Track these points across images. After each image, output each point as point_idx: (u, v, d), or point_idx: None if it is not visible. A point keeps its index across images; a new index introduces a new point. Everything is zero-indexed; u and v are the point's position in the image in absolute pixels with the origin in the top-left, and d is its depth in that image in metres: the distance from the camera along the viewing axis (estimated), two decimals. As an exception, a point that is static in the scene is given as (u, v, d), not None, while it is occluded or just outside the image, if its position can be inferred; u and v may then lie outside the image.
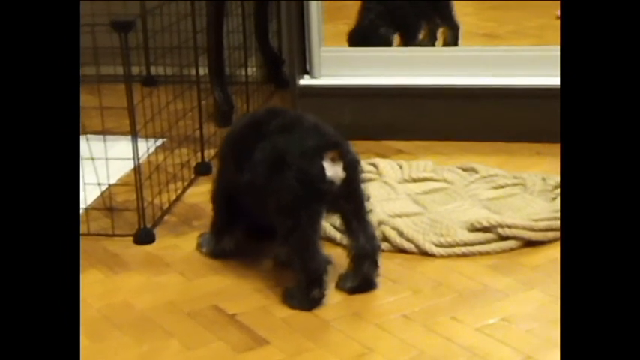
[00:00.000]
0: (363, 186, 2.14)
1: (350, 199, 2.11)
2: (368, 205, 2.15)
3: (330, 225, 2.37)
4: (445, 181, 2.71)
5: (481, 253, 2.33)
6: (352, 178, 2.09)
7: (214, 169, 2.42)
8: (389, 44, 3.47)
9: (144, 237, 2.46)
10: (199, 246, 2.39)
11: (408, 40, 3.55)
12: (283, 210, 2.07)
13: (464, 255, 2.33)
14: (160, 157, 2.84)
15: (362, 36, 3.44)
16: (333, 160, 2.05)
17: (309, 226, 2.05)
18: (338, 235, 2.35)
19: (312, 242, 2.06)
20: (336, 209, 2.13)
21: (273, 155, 2.09)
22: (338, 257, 2.19)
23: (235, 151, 2.23)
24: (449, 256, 2.33)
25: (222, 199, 2.31)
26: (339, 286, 2.16)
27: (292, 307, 2.10)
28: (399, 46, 3.53)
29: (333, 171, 2.05)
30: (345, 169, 2.07)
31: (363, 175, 2.16)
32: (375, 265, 2.15)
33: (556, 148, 2.92)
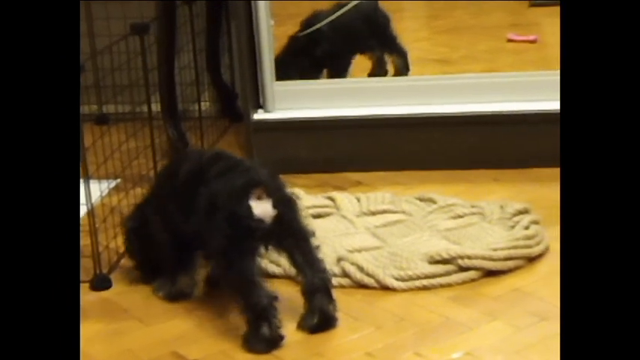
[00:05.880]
0: (301, 222, 2.14)
1: (286, 236, 2.12)
2: (313, 241, 2.14)
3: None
4: (403, 212, 2.69)
5: (442, 285, 2.32)
6: (285, 215, 2.09)
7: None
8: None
9: (100, 283, 2.42)
10: (155, 290, 2.35)
11: (337, 75, 3.46)
12: (217, 251, 2.09)
13: (425, 288, 2.31)
14: (115, 199, 2.79)
15: (282, 70, 3.29)
16: (260, 198, 2.06)
17: (243, 265, 2.06)
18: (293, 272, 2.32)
19: (249, 279, 2.06)
20: (275, 247, 2.14)
21: (207, 200, 2.11)
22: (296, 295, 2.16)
23: (179, 198, 2.22)
24: (410, 289, 2.31)
25: (169, 243, 2.28)
26: (301, 326, 2.14)
27: (249, 350, 2.07)
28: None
29: (261, 209, 2.06)
30: (275, 206, 2.07)
31: (300, 212, 2.16)
32: (329, 297, 2.13)
33: (513, 174, 2.97)
